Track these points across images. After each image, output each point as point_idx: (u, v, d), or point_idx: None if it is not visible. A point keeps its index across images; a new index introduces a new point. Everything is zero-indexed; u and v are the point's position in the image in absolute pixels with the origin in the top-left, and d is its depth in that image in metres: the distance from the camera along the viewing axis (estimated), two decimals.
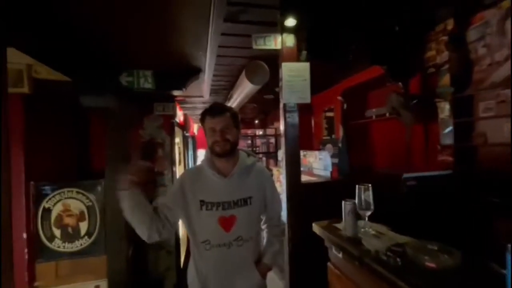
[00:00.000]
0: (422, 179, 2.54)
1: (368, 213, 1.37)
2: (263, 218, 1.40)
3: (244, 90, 3.81)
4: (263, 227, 1.41)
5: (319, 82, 3.80)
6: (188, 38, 1.52)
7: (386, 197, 1.91)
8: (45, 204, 1.88)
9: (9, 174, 1.00)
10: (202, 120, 1.25)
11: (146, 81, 2.08)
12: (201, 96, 3.40)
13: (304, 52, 2.35)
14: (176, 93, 2.45)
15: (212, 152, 1.23)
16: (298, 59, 2.32)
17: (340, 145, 4.17)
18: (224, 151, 1.20)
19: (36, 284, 1.84)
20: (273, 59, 2.43)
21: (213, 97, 4.77)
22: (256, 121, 8.62)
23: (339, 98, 4.28)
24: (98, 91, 1.74)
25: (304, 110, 4.99)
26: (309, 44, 2.39)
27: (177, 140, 3.24)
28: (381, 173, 3.41)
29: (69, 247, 1.92)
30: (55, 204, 1.90)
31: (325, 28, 2.50)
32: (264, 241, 1.40)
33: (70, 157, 2.33)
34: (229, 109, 1.27)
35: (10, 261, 1.00)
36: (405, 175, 2.56)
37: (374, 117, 3.57)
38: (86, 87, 1.64)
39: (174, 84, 2.21)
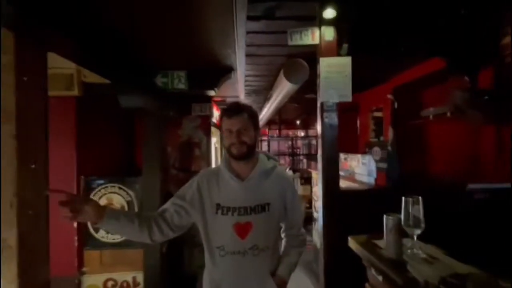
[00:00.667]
0: (494, 192, 2.10)
1: (418, 231, 1.14)
2: (282, 226, 1.29)
3: (283, 89, 3.70)
4: (282, 235, 1.30)
5: (365, 79, 3.47)
6: (215, 37, 1.49)
7: (443, 212, 1.61)
8: (92, 197, 2.06)
9: (46, 170, 1.08)
10: (221, 120, 1.20)
11: (180, 82, 2.14)
12: (237, 97, 3.40)
13: (345, 46, 2.14)
14: (210, 93, 2.47)
15: (229, 154, 1.17)
16: (338, 54, 2.13)
17: (389, 148, 3.75)
18: (240, 154, 1.12)
19: (84, 269, 2.02)
20: (313, 56, 2.27)
21: (253, 97, 4.76)
22: (298, 122, 8.39)
23: (389, 96, 3.86)
24: (136, 92, 1.85)
25: (348, 109, 4.66)
26: (352, 37, 2.17)
27: (214, 140, 3.29)
28: (439, 182, 2.94)
29: (111, 238, 2.07)
30: (100, 197, 2.07)
31: (370, 17, 2.24)
32: (282, 250, 1.29)
33: (117, 154, 2.53)
34: (247, 109, 1.17)
35: (46, 247, 1.08)
36: (471, 186, 2.15)
37: (431, 117, 3.11)
38: (125, 89, 1.76)
39: (207, 84, 2.23)
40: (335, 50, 2.13)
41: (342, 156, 3.40)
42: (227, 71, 2.17)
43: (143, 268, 2.08)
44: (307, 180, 5.10)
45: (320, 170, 2.13)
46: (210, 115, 2.99)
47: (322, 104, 2.11)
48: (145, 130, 2.01)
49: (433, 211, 1.17)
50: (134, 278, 2.06)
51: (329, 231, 2.09)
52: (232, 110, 1.15)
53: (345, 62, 2.07)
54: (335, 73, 2.10)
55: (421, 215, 1.13)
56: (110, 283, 2.05)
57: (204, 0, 1.16)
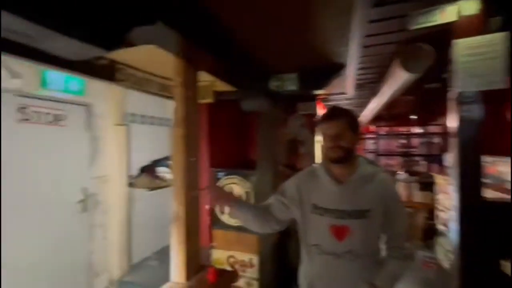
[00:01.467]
0: None
1: None
2: (384, 236, 1.19)
3: (397, 80, 3.26)
4: (384, 246, 1.19)
5: None
6: (329, 34, 1.49)
7: None
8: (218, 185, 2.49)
9: (199, 162, 1.40)
10: (319, 124, 1.22)
11: (291, 84, 2.26)
12: (344, 93, 3.25)
13: (497, 19, 1.68)
14: (318, 92, 2.49)
15: (326, 158, 1.19)
16: (483, 31, 1.69)
17: None
18: (337, 158, 1.14)
19: (213, 244, 2.48)
20: (438, 37, 1.90)
21: (358, 92, 4.43)
22: (413, 117, 7.17)
23: None
24: (254, 96, 2.09)
25: (491, 100, 3.58)
26: (506, 5, 1.67)
27: (319, 138, 3.30)
28: None
29: (232, 221, 2.44)
30: (225, 186, 2.48)
31: None
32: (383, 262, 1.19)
33: (235, 150, 2.95)
34: (345, 113, 1.18)
35: (199, 221, 1.40)
36: None
37: None
38: (246, 94, 2.03)
39: (317, 83, 2.26)
40: (479, 26, 1.70)
41: (486, 159, 2.68)
42: (338, 68, 2.13)
43: (258, 252, 2.34)
44: (427, 185, 4.31)
45: (455, 175, 1.77)
46: (315, 113, 3.01)
47: (459, 94, 1.74)
48: (259, 129, 2.26)
49: None
50: (250, 260, 2.36)
51: (466, 250, 1.71)
52: (329, 114, 1.18)
53: (496, 40, 1.63)
54: (478, 55, 1.69)
55: None
56: (231, 260, 2.42)
57: (325, 5, 1.20)
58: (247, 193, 2.40)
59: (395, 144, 7.26)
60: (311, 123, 2.98)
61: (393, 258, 1.17)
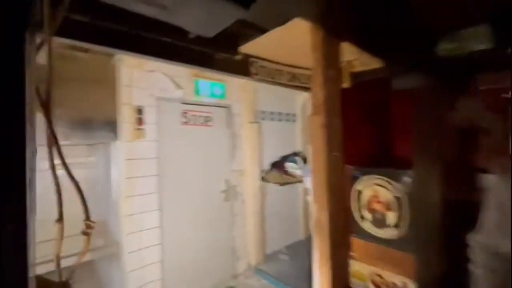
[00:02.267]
0: None
1: None
2: None
3: None
4: None
5: None
6: None
7: None
8: (356, 186, 2.10)
9: (343, 159, 1.12)
10: None
11: (478, 42, 1.51)
12: None
13: None
14: None
15: None
16: None
17: None
18: None
19: (352, 253, 2.12)
20: None
21: None
22: None
23: None
24: (409, 69, 1.56)
25: None
26: None
27: None
28: None
29: (376, 232, 1.98)
30: (365, 188, 2.05)
31: None
32: None
33: (376, 143, 2.43)
34: None
35: (344, 233, 1.12)
36: None
37: None
38: (397, 68, 1.54)
39: None
40: None
41: None
42: None
43: (414, 276, 1.78)
44: None
45: None
46: (507, 88, 2.00)
47: None
48: (417, 115, 1.69)
49: None
50: (404, 284, 1.83)
51: None
52: None
53: None
54: None
55: None
56: (377, 279, 1.98)
57: None
58: (397, 198, 1.87)
59: None
60: (499, 102, 2.00)
61: None
